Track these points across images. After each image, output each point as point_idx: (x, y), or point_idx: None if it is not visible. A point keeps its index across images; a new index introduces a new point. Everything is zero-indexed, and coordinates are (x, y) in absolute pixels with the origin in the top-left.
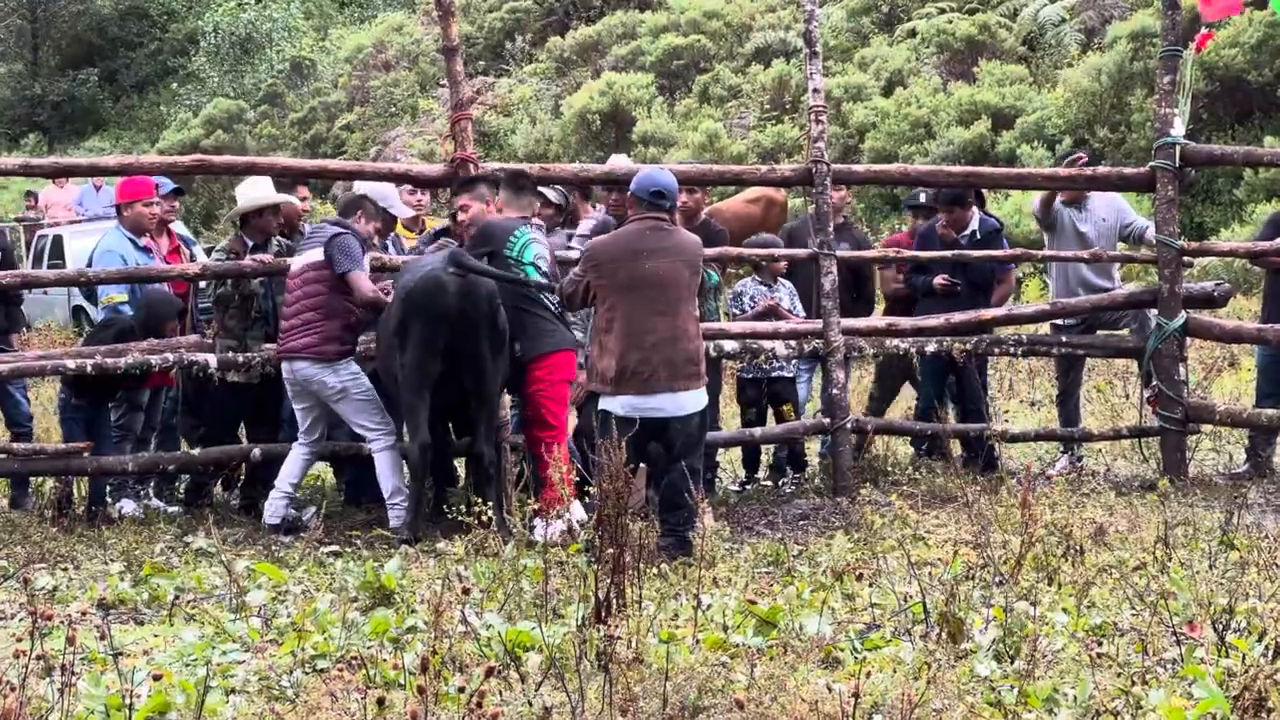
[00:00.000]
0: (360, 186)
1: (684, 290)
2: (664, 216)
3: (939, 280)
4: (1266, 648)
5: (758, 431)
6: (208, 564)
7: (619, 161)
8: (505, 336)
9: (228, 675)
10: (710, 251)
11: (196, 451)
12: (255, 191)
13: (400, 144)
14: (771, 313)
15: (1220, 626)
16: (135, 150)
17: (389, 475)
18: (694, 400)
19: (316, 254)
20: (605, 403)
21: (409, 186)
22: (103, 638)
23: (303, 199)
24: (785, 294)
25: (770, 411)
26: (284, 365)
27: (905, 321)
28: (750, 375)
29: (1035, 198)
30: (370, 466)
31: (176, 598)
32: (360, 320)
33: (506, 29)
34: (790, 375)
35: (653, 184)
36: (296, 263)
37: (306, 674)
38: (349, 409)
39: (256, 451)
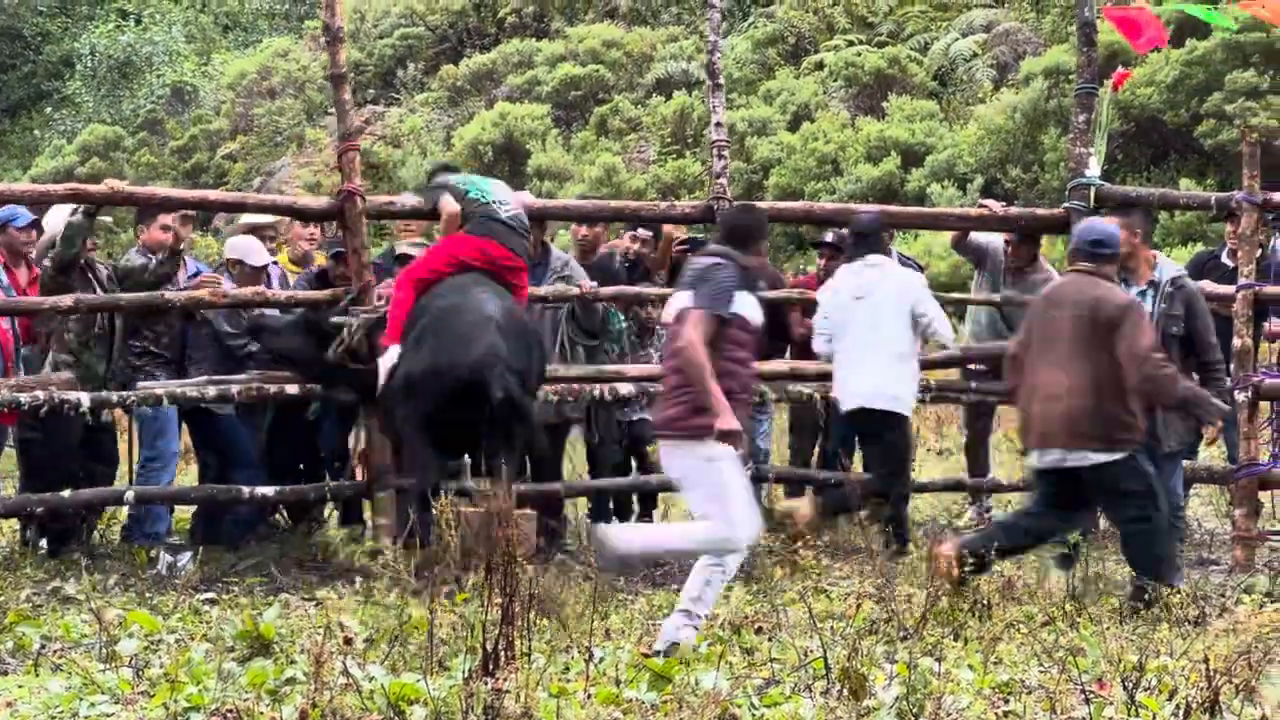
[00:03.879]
0: (245, 219)
1: (1080, 344)
2: (1095, 268)
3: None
4: (1177, 707)
5: (655, 479)
6: (76, 611)
7: (522, 198)
8: None
9: None
10: (606, 291)
11: (67, 494)
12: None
13: (285, 174)
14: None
15: (1130, 684)
16: (6, 177)
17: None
18: (1094, 456)
19: None
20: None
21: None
22: None
23: (168, 227)
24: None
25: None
26: None
27: (810, 365)
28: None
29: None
30: (240, 510)
31: (43, 647)
32: None
33: (397, 56)
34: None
35: (1090, 233)
36: None
37: None
38: None
39: (130, 494)
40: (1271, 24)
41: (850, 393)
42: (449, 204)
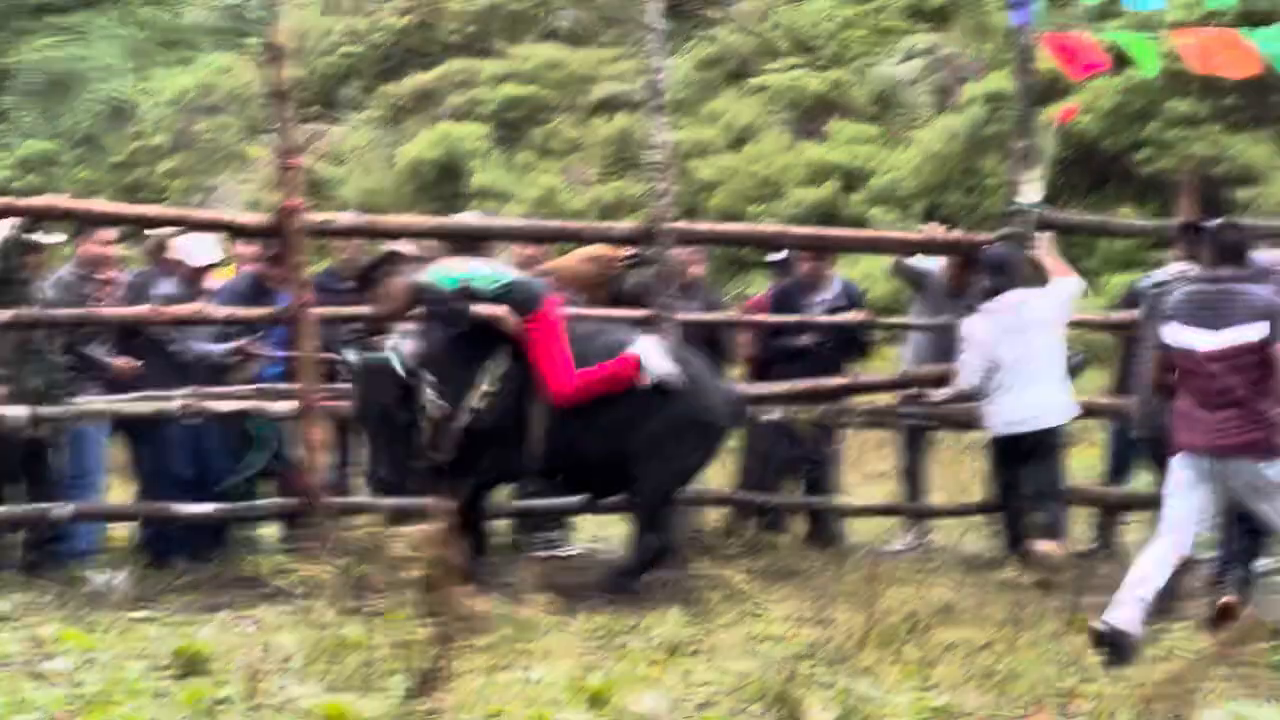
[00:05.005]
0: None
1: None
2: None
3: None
4: None
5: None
6: (8, 629)
7: (468, 215)
8: None
9: None
10: None
11: (2, 509)
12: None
13: (226, 192)
14: None
15: (1066, 709)
16: None
17: None
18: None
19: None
20: None
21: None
22: None
23: (105, 242)
24: None
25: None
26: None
27: (751, 387)
28: None
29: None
30: (176, 525)
31: None
32: None
33: (339, 74)
34: None
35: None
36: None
37: None
38: None
39: (67, 510)
40: (1191, 69)
41: (1021, 417)
42: None
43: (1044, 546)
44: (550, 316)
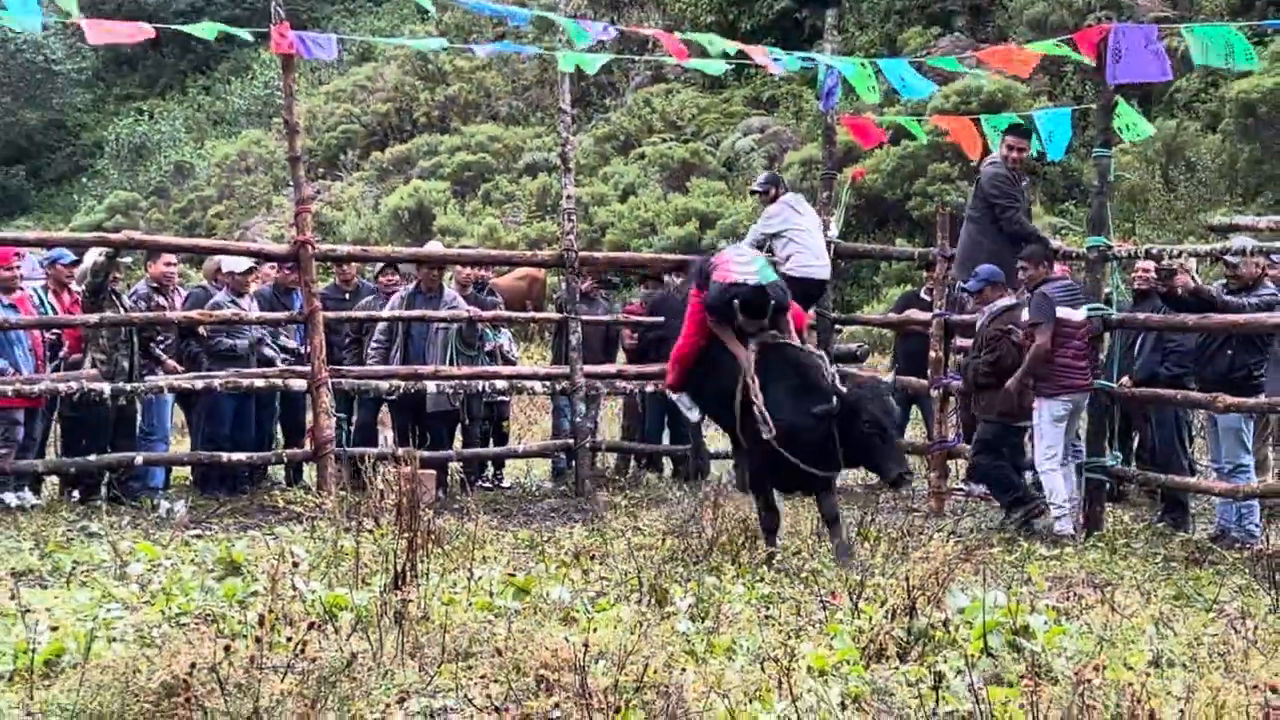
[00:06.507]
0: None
1: None
2: None
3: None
4: (887, 612)
5: (527, 446)
6: (98, 543)
7: (433, 246)
8: None
9: (111, 628)
10: (487, 314)
11: (94, 457)
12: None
13: (258, 229)
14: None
15: (854, 596)
16: (52, 229)
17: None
18: None
19: None
20: None
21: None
22: (13, 598)
23: (169, 264)
24: (505, 339)
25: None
26: None
27: (631, 368)
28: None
29: None
30: (215, 465)
31: (73, 569)
32: None
33: (340, 144)
34: (505, 400)
35: None
36: None
37: (172, 627)
38: None
39: (139, 458)
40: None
41: None
42: None
43: None
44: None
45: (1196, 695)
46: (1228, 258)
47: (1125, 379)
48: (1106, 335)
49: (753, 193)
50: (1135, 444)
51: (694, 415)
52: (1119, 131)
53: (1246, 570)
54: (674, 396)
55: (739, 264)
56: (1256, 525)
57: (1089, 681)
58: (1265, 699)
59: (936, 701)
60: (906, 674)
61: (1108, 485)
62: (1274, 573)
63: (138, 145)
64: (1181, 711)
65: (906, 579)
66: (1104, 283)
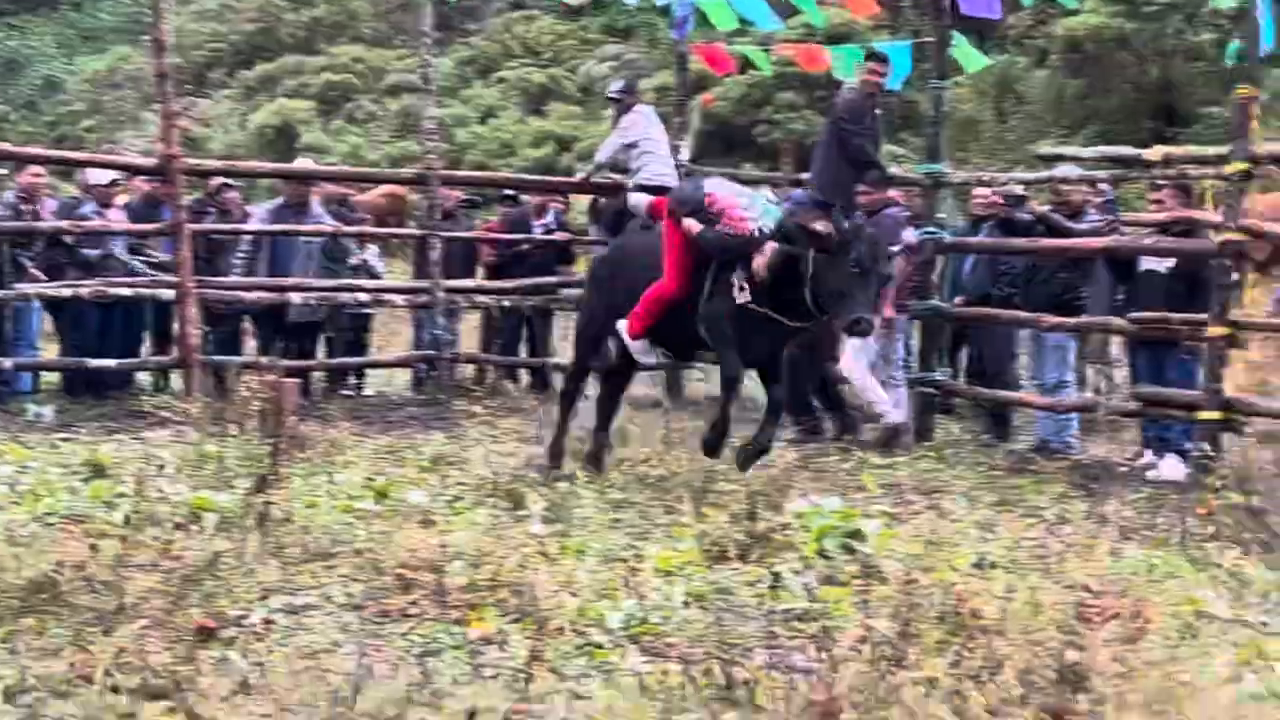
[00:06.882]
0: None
1: None
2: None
3: None
4: (731, 517)
5: (388, 356)
6: None
7: (303, 162)
8: None
9: None
10: (351, 229)
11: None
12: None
13: (127, 144)
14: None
15: (698, 501)
16: None
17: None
18: None
19: None
20: None
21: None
22: None
23: (36, 175)
24: (372, 255)
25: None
26: None
27: (490, 283)
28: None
29: None
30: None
31: None
32: None
33: (207, 62)
34: (369, 313)
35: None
36: None
37: (42, 527)
38: None
39: (9, 363)
40: (804, 68)
41: None
42: None
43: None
44: None
45: (1016, 595)
46: (1059, 185)
47: (959, 299)
48: (939, 258)
49: (608, 99)
50: (965, 359)
51: (650, 359)
52: (955, 64)
53: (1064, 479)
54: (631, 345)
55: (745, 210)
56: (1074, 438)
57: (916, 581)
58: (1078, 598)
59: (774, 600)
60: (747, 574)
61: (937, 398)
62: (1089, 481)
63: (8, 59)
64: (1002, 610)
65: (747, 485)
66: (937, 208)
